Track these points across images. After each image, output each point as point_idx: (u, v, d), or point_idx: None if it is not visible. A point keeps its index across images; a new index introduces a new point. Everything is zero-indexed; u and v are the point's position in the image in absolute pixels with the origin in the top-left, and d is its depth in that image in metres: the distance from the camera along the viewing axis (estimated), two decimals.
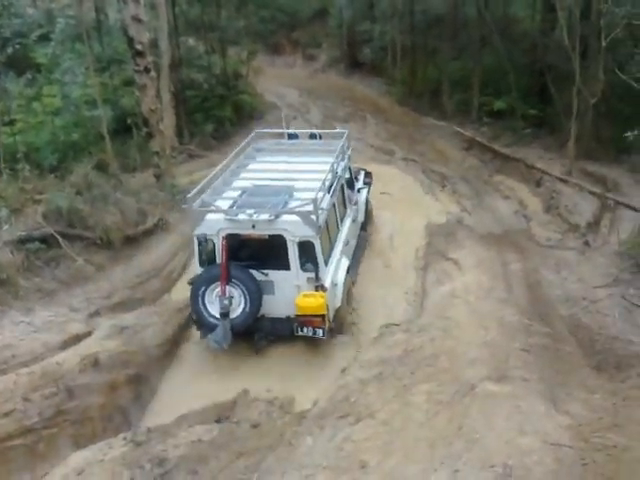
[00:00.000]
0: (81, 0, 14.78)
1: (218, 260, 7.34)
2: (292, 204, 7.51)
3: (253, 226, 7.27)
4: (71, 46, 14.90)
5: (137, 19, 11.50)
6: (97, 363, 6.76)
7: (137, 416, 6.81)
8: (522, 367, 6.16)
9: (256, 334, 7.62)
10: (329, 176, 8.31)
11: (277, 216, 7.26)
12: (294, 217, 7.23)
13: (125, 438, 5.90)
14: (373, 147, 16.11)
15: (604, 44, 11.64)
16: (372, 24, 22.63)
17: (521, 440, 4.88)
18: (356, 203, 9.83)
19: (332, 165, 8.63)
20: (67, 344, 7.05)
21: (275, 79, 23.43)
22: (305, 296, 7.24)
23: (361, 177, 10.96)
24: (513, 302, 7.83)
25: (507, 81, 16.28)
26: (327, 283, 7.45)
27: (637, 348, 6.62)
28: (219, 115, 17.86)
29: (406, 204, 12.20)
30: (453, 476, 4.58)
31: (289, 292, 7.36)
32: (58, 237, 8.82)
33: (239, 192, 7.96)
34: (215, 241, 7.35)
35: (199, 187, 7.80)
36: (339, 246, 8.35)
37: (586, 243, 10.02)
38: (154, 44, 13.57)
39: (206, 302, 7.34)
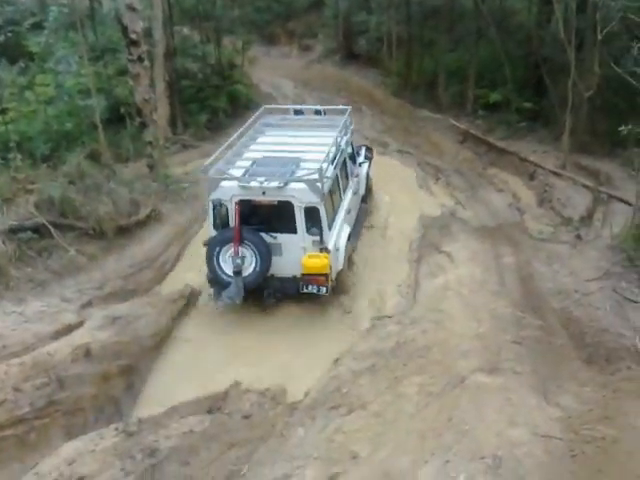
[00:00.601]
0: None
1: (231, 224, 7.97)
2: (299, 173, 8.16)
3: (263, 192, 7.92)
4: (64, 35, 14.77)
5: (131, 8, 11.42)
6: (89, 353, 6.75)
7: (129, 407, 6.81)
8: (513, 359, 6.19)
9: (265, 292, 8.29)
10: (333, 149, 8.95)
11: (286, 184, 7.91)
12: (301, 185, 7.90)
13: (117, 428, 5.90)
14: (368, 139, 16.02)
15: (600, 37, 11.60)
16: (368, 15, 22.48)
17: (511, 432, 4.91)
18: (357, 176, 10.55)
19: (336, 139, 9.27)
20: (59, 334, 7.03)
21: (270, 69, 23.29)
22: (310, 257, 7.93)
23: (362, 152, 11.66)
24: (505, 295, 7.85)
25: (503, 73, 16.24)
26: (330, 246, 8.15)
27: (627, 341, 6.65)
28: (214, 105, 17.72)
29: (400, 196, 12.19)
30: (443, 467, 4.60)
31: (296, 254, 8.03)
32: (50, 227, 8.78)
33: (250, 162, 8.60)
34: (228, 206, 8.00)
35: (213, 157, 8.44)
36: (341, 214, 9.02)
37: (578, 236, 10.03)
38: (148, 33, 13.47)
39: (220, 262, 7.99)
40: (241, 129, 9.86)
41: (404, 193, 12.41)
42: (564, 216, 11.18)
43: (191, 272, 9.57)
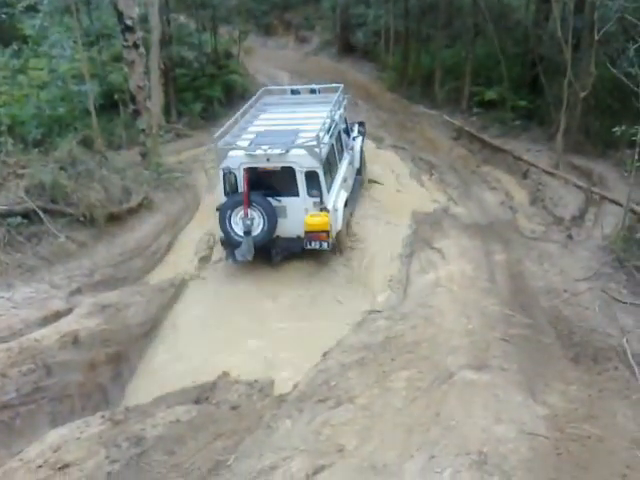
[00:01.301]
0: None
1: (239, 189, 8.90)
2: (299, 142, 9.03)
3: (268, 159, 8.79)
4: (59, 19, 14.56)
5: None
6: (77, 341, 6.71)
7: (116, 395, 6.81)
8: (501, 357, 6.21)
9: (273, 251, 9.23)
10: (328, 120, 9.86)
11: (287, 150, 8.79)
12: (301, 151, 8.80)
13: (103, 416, 5.86)
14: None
15: (597, 37, 11.63)
16: (366, 8, 22.39)
17: (497, 428, 4.93)
18: (352, 149, 11.49)
19: (330, 111, 10.19)
20: (47, 321, 6.98)
21: (267, 60, 23.19)
22: (312, 216, 8.86)
23: (356, 127, 12.50)
24: (495, 292, 7.88)
25: (499, 71, 16.24)
26: (329, 207, 9.02)
27: (614, 341, 6.69)
28: (209, 95, 17.62)
29: (392, 191, 12.19)
30: (429, 462, 4.61)
31: (299, 215, 8.92)
32: (40, 212, 8.68)
33: (254, 135, 9.54)
34: (237, 174, 8.90)
35: (221, 130, 9.34)
36: (338, 180, 9.87)
37: (570, 236, 10.08)
38: (144, 19, 13.33)
39: (232, 223, 8.90)
40: (243, 108, 10.75)
41: (397, 188, 12.40)
42: (556, 215, 11.22)
43: (182, 261, 9.57)
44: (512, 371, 5.94)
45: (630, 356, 6.39)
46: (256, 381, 6.70)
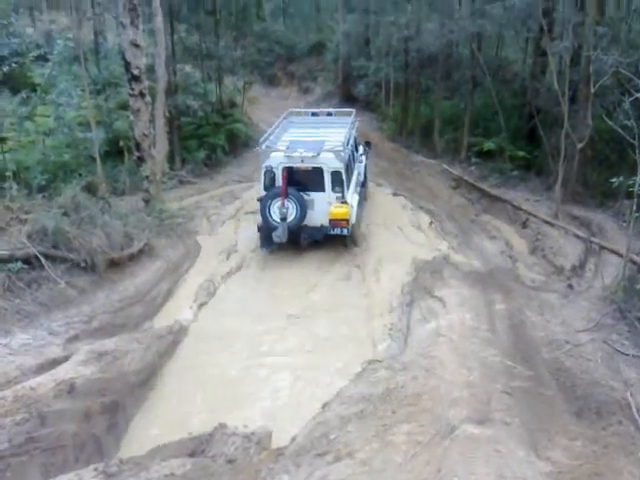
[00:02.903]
0: (80, 23, 14.99)
1: (277, 184, 10.96)
2: (327, 148, 11.20)
3: (302, 160, 10.98)
4: (68, 68, 14.96)
5: (135, 44, 11.63)
6: (72, 389, 6.59)
7: (110, 446, 6.63)
8: (503, 410, 6.11)
9: (302, 236, 11.20)
10: (347, 134, 12.07)
11: (318, 153, 11.01)
12: (330, 154, 11.02)
13: (96, 469, 5.70)
14: None
15: (593, 90, 11.92)
16: (367, 61, 23.06)
17: None
18: (361, 162, 13.83)
19: (349, 128, 12.57)
20: (43, 368, 6.87)
21: (270, 110, 23.66)
22: (336, 207, 10.99)
23: (362, 146, 14.59)
24: (497, 343, 7.80)
25: (497, 122, 16.59)
26: (349, 201, 11.17)
27: (618, 395, 6.59)
28: (212, 143, 17.94)
29: (392, 238, 12.25)
30: None
31: (323, 207, 11.06)
32: (41, 258, 8.68)
33: (288, 142, 11.66)
34: (276, 171, 11.01)
35: (265, 137, 11.64)
36: (352, 184, 11.94)
37: (570, 286, 10.07)
38: (151, 69, 13.68)
39: (271, 211, 10.89)
40: (275, 124, 12.92)
41: (397, 235, 12.46)
42: (556, 265, 11.24)
43: (181, 308, 9.52)
44: (514, 425, 5.83)
45: (635, 410, 6.28)
46: (253, 433, 6.55)
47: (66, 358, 7.17)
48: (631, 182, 8.80)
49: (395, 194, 15.24)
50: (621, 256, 9.95)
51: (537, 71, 16.60)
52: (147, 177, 12.35)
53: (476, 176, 16.24)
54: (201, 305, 9.73)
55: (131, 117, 12.46)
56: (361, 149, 14.32)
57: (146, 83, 12.12)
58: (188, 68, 20.62)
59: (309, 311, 9.50)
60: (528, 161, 16.02)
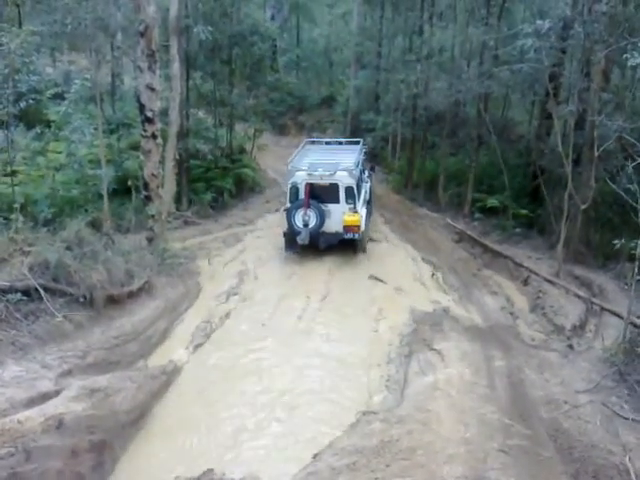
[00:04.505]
0: (99, 64, 15.39)
1: (300, 197, 13.49)
2: (342, 167, 13.71)
3: (321, 178, 13.53)
4: (84, 107, 15.34)
5: (151, 88, 11.94)
6: (61, 425, 6.46)
7: None
8: (499, 469, 5.96)
9: (320, 240, 13.63)
10: (357, 158, 14.78)
11: (335, 172, 13.52)
12: (344, 172, 13.56)
13: None
14: None
15: (597, 154, 12.10)
16: (376, 115, 23.53)
17: None
18: (367, 182, 16.19)
19: (357, 153, 15.31)
20: (33, 402, 6.75)
21: (279, 158, 23.91)
22: (349, 215, 13.46)
23: (367, 169, 16.91)
24: (495, 399, 7.67)
25: (501, 180, 16.78)
26: (359, 211, 13.65)
27: (616, 459, 6.43)
28: (220, 185, 18.17)
29: (394, 290, 12.23)
30: None
31: (338, 216, 13.52)
32: (41, 290, 8.67)
33: (308, 164, 14.04)
34: (299, 186, 13.59)
35: (291, 158, 14.41)
36: (361, 199, 14.33)
37: (570, 346, 9.96)
38: (164, 112, 14.00)
39: (295, 219, 13.39)
40: (296, 151, 15.40)
41: (398, 286, 12.44)
42: (556, 324, 11.14)
43: (176, 348, 9.44)
44: None
45: (633, 476, 6.13)
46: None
47: (57, 393, 7.07)
48: (633, 245, 8.83)
49: (398, 245, 15.33)
50: (622, 318, 9.87)
51: (542, 133, 16.89)
52: (153, 216, 12.46)
53: (479, 231, 16.33)
54: (197, 346, 9.65)
55: (141, 157, 12.66)
56: (367, 171, 16.77)
57: (159, 125, 12.39)
58: (201, 113, 21.12)
59: (308, 358, 9.38)
60: (531, 219, 16.13)
